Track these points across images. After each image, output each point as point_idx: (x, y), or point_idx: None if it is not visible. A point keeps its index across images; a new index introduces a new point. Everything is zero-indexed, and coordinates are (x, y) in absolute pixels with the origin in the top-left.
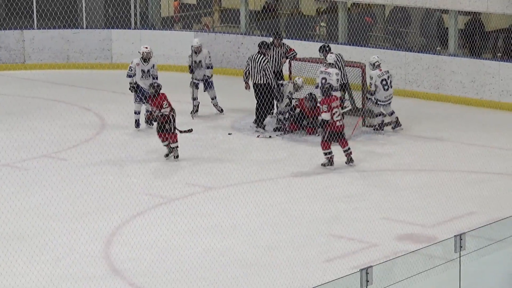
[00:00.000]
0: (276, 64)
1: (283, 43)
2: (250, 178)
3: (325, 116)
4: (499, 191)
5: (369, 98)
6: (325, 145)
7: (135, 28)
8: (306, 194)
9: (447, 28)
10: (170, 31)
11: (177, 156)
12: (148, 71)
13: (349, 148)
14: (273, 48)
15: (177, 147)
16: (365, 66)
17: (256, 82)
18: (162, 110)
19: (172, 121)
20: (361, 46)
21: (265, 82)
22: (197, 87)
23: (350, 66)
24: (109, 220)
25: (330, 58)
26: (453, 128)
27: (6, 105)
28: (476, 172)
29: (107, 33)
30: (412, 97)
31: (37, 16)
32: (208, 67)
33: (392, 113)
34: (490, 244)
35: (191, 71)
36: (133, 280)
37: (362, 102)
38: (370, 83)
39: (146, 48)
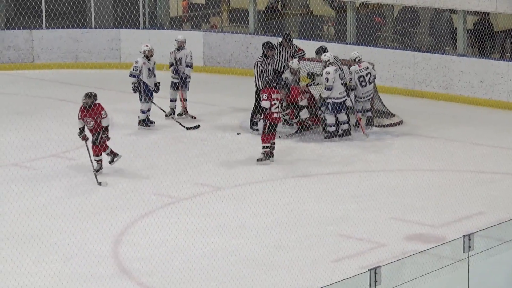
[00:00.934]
0: (286, 64)
1: (292, 44)
2: (259, 178)
3: (265, 104)
4: (508, 191)
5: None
6: (266, 138)
7: (143, 28)
8: (314, 194)
9: (455, 28)
10: (178, 31)
11: (100, 169)
12: (152, 68)
13: (274, 143)
14: (283, 48)
15: (113, 155)
16: (373, 66)
17: None
18: (102, 120)
19: (101, 132)
20: (370, 46)
21: (255, 83)
22: (176, 88)
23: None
24: (117, 220)
25: (329, 57)
26: (462, 128)
27: (15, 104)
28: (485, 172)
29: (115, 32)
30: (420, 97)
31: (45, 15)
32: (187, 66)
33: (368, 110)
34: (498, 245)
35: (175, 70)
36: (141, 280)
37: (371, 102)
38: (350, 78)
39: (147, 46)
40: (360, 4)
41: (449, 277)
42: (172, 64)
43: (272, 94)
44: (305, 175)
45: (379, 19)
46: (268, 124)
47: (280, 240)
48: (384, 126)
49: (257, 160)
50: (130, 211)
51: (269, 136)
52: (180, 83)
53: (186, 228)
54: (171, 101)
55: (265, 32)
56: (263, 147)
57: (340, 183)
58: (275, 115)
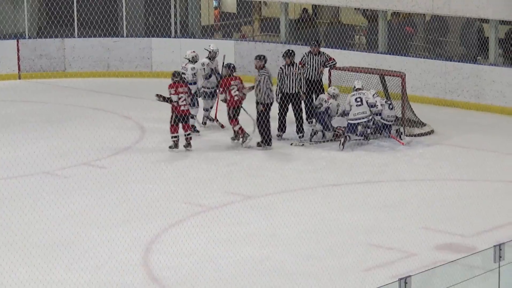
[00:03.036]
0: (315, 72)
1: (323, 52)
2: (289, 187)
3: (174, 97)
4: None
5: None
6: (172, 128)
7: (175, 37)
8: (345, 203)
9: (487, 37)
10: (210, 40)
11: None
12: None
13: (189, 133)
14: (312, 56)
15: None
16: (405, 75)
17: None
18: None
19: None
20: (401, 55)
21: None
22: (212, 97)
23: (390, 75)
24: (148, 228)
25: (358, 84)
26: (493, 138)
27: (47, 113)
28: None
29: (147, 41)
30: (452, 107)
31: (77, 24)
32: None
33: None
34: None
35: (219, 78)
36: None
37: (402, 112)
38: (380, 105)
39: (194, 51)
40: (391, 13)
41: (480, 287)
42: (209, 76)
43: (179, 88)
44: (336, 184)
45: (410, 29)
46: (174, 116)
47: (310, 249)
48: (415, 136)
49: (169, 147)
50: (160, 220)
51: (176, 126)
52: (212, 94)
53: (216, 237)
54: (206, 110)
55: (296, 41)
56: (172, 137)
57: (371, 192)
58: (182, 107)
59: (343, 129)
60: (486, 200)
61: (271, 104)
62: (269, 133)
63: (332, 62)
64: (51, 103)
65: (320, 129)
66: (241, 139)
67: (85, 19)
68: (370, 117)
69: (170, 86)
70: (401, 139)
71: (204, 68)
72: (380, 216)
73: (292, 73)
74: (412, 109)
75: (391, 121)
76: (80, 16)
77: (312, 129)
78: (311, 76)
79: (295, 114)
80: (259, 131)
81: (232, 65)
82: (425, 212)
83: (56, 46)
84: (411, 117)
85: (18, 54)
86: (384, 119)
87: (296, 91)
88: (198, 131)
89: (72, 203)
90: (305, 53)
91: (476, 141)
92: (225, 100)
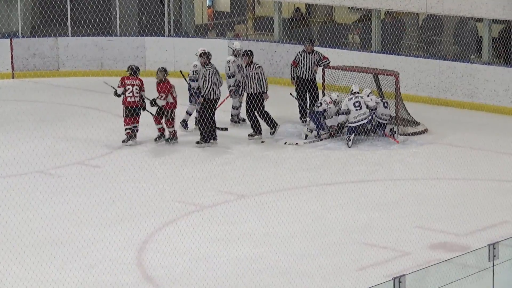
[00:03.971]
0: (309, 71)
1: (316, 51)
2: (283, 186)
3: (119, 90)
4: None
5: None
6: (125, 121)
7: (168, 36)
8: (339, 202)
9: (480, 36)
10: (203, 39)
11: None
12: None
13: (136, 126)
14: (305, 55)
15: None
16: (398, 74)
17: None
18: None
19: None
20: (395, 54)
21: None
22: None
23: (384, 74)
24: (141, 227)
25: (356, 87)
26: (487, 137)
27: (40, 112)
28: (510, 181)
29: (140, 40)
30: (445, 106)
31: (71, 23)
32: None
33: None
34: None
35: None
36: None
37: (396, 111)
38: (376, 103)
39: (204, 49)
40: (385, 12)
41: (474, 286)
42: (233, 75)
43: (127, 81)
44: (330, 183)
45: (400, 27)
46: (125, 108)
47: (304, 248)
48: (408, 135)
49: (122, 141)
50: (154, 219)
51: (129, 119)
52: (239, 91)
53: (210, 236)
54: (236, 109)
55: (290, 40)
56: (125, 129)
57: (365, 191)
58: (129, 99)
59: (337, 128)
60: (480, 199)
61: (216, 100)
62: (210, 129)
63: (326, 61)
64: (45, 102)
65: (314, 128)
66: (168, 139)
67: (78, 18)
68: (370, 118)
69: (121, 79)
70: (396, 138)
71: (229, 66)
72: (374, 215)
73: (250, 73)
74: (406, 108)
75: (386, 120)
76: (73, 15)
77: (307, 128)
78: (305, 75)
79: (259, 114)
80: (199, 127)
81: (164, 69)
82: (419, 211)
83: (49, 45)
84: (405, 116)
85: (11, 53)
86: (378, 117)
87: (256, 91)
88: (187, 127)
89: (66, 202)
90: (299, 52)
91: (469, 140)
92: (160, 105)
